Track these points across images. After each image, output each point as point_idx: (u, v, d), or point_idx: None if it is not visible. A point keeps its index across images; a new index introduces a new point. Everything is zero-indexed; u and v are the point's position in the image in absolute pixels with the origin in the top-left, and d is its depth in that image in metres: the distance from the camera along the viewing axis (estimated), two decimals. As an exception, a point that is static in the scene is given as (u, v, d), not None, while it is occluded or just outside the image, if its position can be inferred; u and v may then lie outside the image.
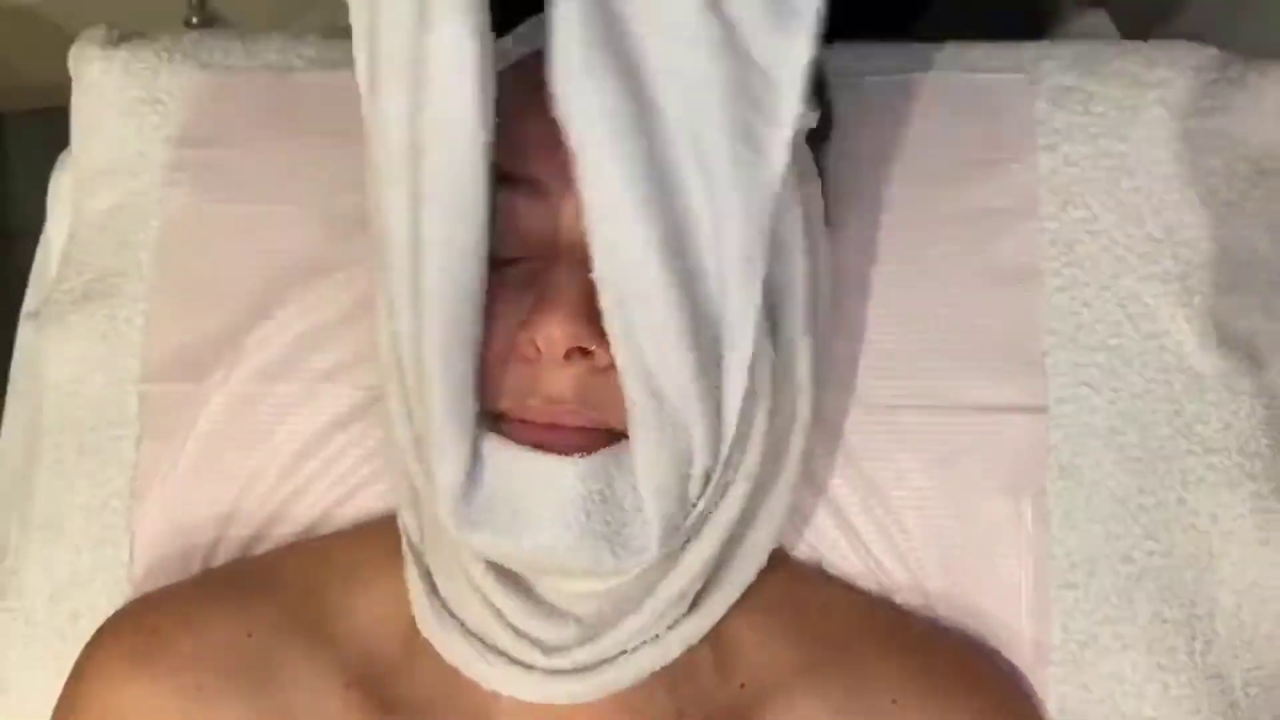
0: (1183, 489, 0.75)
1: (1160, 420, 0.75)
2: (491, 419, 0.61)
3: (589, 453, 0.59)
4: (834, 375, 0.76)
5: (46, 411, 0.84)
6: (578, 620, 0.63)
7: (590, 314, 0.57)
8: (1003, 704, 0.69)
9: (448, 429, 0.58)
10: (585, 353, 0.59)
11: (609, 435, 0.60)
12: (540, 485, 0.58)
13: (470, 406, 0.59)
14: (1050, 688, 0.74)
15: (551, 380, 0.59)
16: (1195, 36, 0.84)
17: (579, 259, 0.59)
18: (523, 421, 0.60)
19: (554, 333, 0.57)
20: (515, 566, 0.62)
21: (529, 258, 0.62)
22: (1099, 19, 0.99)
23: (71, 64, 0.89)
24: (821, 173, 0.72)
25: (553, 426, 0.60)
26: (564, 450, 0.59)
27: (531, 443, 0.59)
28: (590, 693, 0.65)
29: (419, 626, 0.68)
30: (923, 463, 0.76)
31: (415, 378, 0.60)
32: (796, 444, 0.70)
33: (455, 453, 0.59)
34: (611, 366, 0.59)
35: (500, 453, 0.59)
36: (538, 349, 0.59)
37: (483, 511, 0.59)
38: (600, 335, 0.58)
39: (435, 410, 0.58)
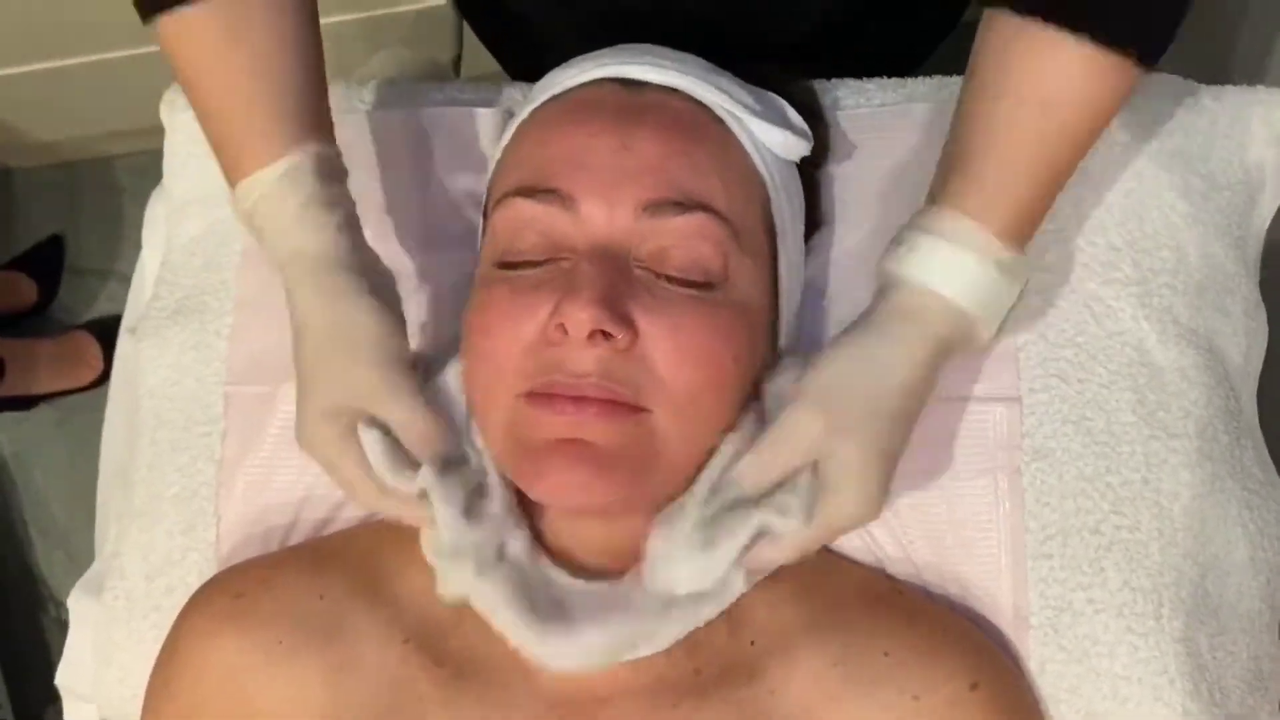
0: (1146, 469, 0.80)
1: (1124, 408, 0.81)
2: (524, 399, 0.69)
3: (613, 433, 0.68)
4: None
5: (143, 414, 0.92)
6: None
7: (611, 302, 0.67)
8: (982, 656, 0.75)
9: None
10: (607, 336, 0.67)
11: (633, 410, 0.68)
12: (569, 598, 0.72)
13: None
14: (1031, 649, 0.79)
15: (577, 359, 0.68)
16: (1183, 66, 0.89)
17: (600, 256, 0.69)
18: (548, 396, 0.68)
19: (580, 315, 0.67)
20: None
21: (558, 259, 0.72)
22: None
23: (164, 111, 0.98)
24: (811, 191, 0.82)
25: (579, 400, 0.68)
26: (588, 454, 0.68)
27: (557, 438, 0.68)
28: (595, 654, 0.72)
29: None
30: (911, 448, 0.79)
31: None
32: None
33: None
34: (632, 348, 0.68)
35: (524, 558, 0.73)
36: (565, 332, 0.68)
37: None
38: (619, 321, 0.67)
39: None
